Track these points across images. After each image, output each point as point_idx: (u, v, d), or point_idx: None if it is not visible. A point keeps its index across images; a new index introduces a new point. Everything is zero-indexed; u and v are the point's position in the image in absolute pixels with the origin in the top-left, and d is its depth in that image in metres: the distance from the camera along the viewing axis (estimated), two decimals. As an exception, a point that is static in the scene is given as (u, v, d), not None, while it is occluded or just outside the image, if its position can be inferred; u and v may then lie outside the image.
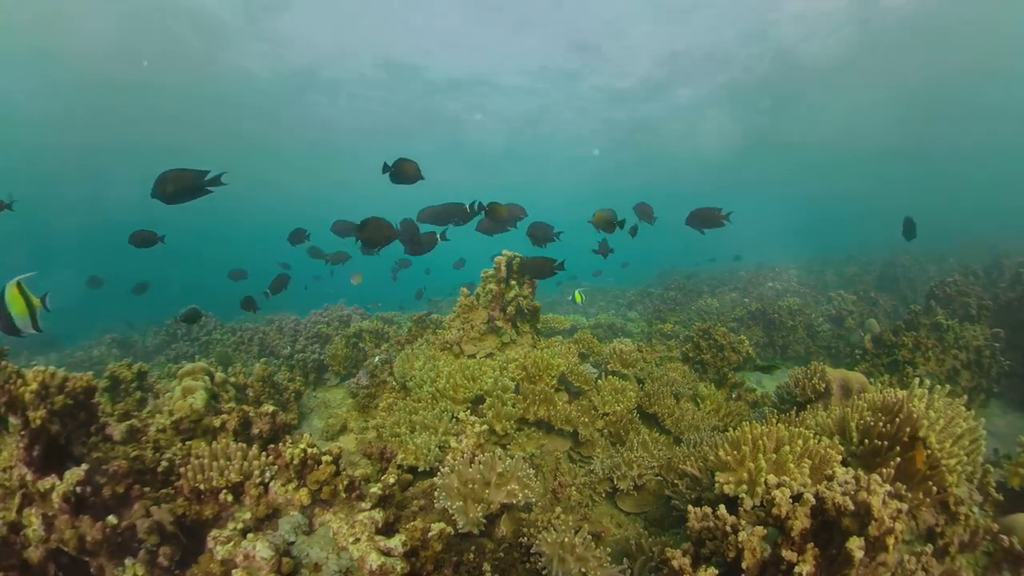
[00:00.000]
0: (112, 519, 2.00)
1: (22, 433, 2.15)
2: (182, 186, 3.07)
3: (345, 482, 2.35)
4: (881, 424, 2.21)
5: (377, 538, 2.03)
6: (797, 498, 1.72)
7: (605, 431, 3.72)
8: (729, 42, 16.51)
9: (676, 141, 25.23)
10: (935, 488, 2.08)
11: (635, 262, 14.66)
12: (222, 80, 18.58)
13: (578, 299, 5.90)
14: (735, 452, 2.24)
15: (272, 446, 2.43)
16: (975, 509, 2.13)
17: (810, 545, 1.60)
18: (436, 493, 2.42)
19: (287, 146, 26.58)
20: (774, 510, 1.70)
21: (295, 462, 2.33)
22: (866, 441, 2.24)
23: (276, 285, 6.05)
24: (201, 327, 7.82)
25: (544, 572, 2.14)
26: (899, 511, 1.54)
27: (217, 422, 2.89)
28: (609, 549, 2.30)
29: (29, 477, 2.09)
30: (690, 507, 1.98)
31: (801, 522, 1.64)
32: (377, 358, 4.63)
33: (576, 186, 34.98)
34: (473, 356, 4.38)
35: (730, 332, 4.97)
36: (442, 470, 2.51)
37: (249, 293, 5.75)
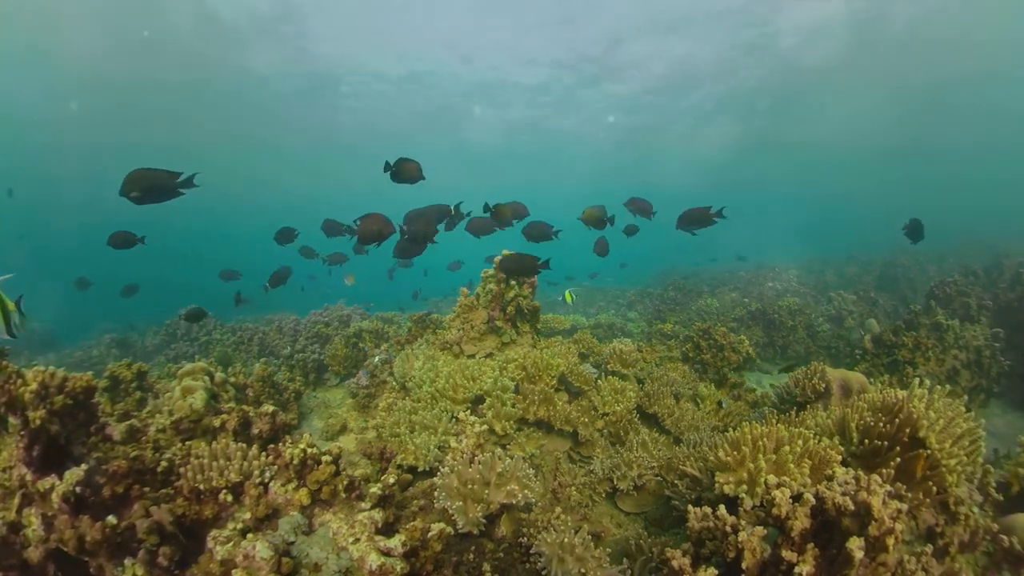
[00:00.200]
0: (112, 519, 2.00)
1: (22, 433, 2.15)
2: (150, 185, 2.91)
3: (345, 482, 2.35)
4: (881, 424, 2.21)
5: (377, 538, 2.03)
6: (797, 498, 1.72)
7: (605, 431, 3.72)
8: (730, 48, 16.63)
9: (676, 142, 25.29)
10: (935, 488, 2.08)
11: (635, 262, 14.65)
12: (225, 81, 18.63)
13: (568, 299, 5.89)
14: (735, 452, 2.24)
15: (272, 446, 2.43)
16: (975, 509, 2.13)
17: (810, 545, 1.60)
18: (436, 493, 2.43)
19: (288, 146, 26.60)
20: (774, 510, 1.70)
21: (295, 462, 2.33)
22: (866, 441, 2.23)
23: (276, 279, 5.92)
24: (201, 327, 7.83)
25: (544, 572, 2.14)
26: (899, 511, 1.54)
27: (217, 422, 2.90)
28: (609, 549, 2.30)
29: (29, 477, 2.09)
30: (690, 507, 1.98)
31: (801, 522, 1.64)
32: (377, 358, 4.63)
33: (576, 186, 35.03)
34: (473, 356, 4.38)
35: (730, 332, 4.98)
36: (442, 470, 2.51)
37: (244, 294, 5.66)
